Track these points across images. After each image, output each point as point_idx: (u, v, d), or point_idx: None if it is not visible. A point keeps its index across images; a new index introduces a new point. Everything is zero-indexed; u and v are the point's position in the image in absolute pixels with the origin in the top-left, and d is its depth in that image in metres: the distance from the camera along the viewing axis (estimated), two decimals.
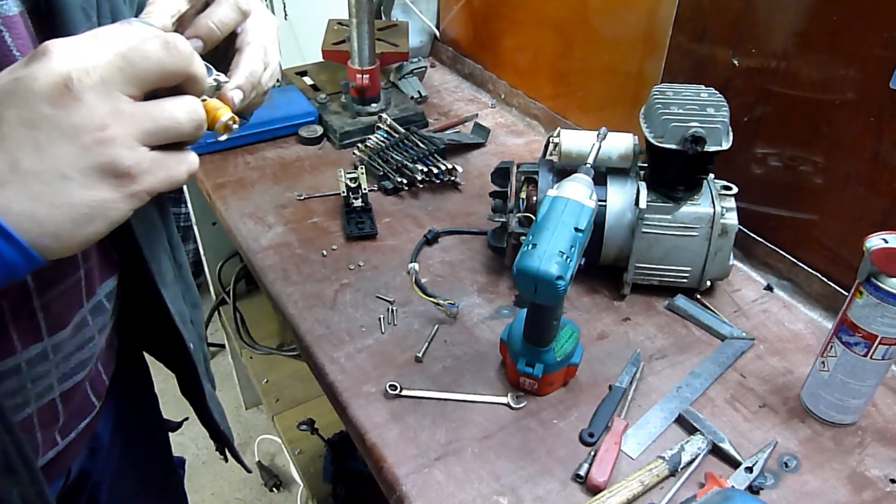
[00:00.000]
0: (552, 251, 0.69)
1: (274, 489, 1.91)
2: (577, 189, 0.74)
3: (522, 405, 0.80)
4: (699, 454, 0.74)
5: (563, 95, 1.33)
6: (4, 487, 0.49)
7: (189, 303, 0.79)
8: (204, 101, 0.46)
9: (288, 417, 1.64)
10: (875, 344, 0.71)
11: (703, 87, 0.90)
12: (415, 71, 1.51)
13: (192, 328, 0.79)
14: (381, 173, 1.18)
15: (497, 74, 1.49)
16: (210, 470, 1.98)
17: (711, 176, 0.93)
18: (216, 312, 1.80)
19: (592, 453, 0.74)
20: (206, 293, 1.83)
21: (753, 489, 0.72)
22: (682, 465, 0.73)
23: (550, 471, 0.73)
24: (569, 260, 0.69)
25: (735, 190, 0.92)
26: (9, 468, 0.49)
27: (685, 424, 0.78)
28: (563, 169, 0.92)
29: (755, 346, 0.89)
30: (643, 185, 0.89)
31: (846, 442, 0.77)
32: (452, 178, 1.18)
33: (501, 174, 0.99)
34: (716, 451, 0.75)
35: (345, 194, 1.09)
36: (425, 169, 1.16)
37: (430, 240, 1.06)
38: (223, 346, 2.15)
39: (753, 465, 0.72)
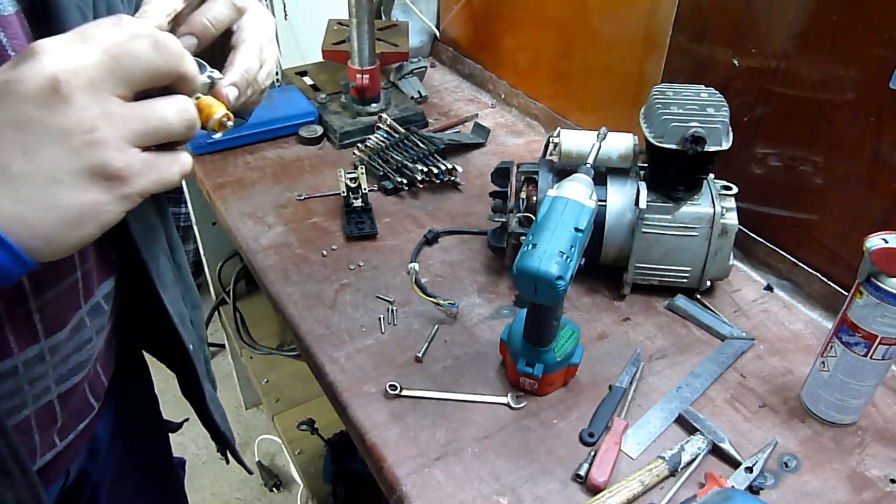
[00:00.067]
0: (552, 251, 0.69)
1: (274, 489, 1.91)
2: (577, 189, 0.74)
3: (522, 405, 0.80)
4: (699, 454, 0.74)
5: (562, 95, 1.33)
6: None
7: (189, 304, 0.79)
8: (198, 98, 0.45)
9: (288, 417, 1.64)
10: (875, 344, 0.71)
11: (703, 87, 0.90)
12: (415, 71, 1.51)
13: (192, 329, 0.79)
14: (381, 173, 1.18)
15: (497, 74, 1.49)
16: (210, 470, 1.98)
17: (711, 176, 0.93)
18: (216, 312, 1.80)
19: (592, 453, 0.74)
20: (206, 293, 1.83)
21: (753, 489, 0.72)
22: (682, 465, 0.73)
23: (550, 471, 0.73)
24: (569, 260, 0.69)
25: (735, 190, 0.92)
26: (4, 471, 0.49)
27: (685, 424, 0.78)
28: (563, 169, 0.92)
29: (755, 346, 0.89)
30: (643, 185, 0.89)
31: (846, 442, 0.77)
32: (452, 178, 1.18)
33: (501, 174, 0.99)
34: (716, 451, 0.75)
35: (345, 194, 1.09)
36: (425, 169, 1.16)
37: (430, 240, 1.06)
38: (223, 346, 2.15)
39: (753, 465, 0.72)
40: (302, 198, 1.15)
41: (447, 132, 1.35)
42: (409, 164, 1.17)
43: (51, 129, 0.38)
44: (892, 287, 0.67)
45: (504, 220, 0.98)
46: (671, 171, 0.89)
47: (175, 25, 0.50)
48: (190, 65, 0.43)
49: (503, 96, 1.47)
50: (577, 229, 0.71)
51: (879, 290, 0.68)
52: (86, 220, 0.39)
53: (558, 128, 0.95)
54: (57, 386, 0.61)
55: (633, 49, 1.14)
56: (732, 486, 0.70)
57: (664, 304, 0.95)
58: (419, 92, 1.46)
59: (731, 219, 0.90)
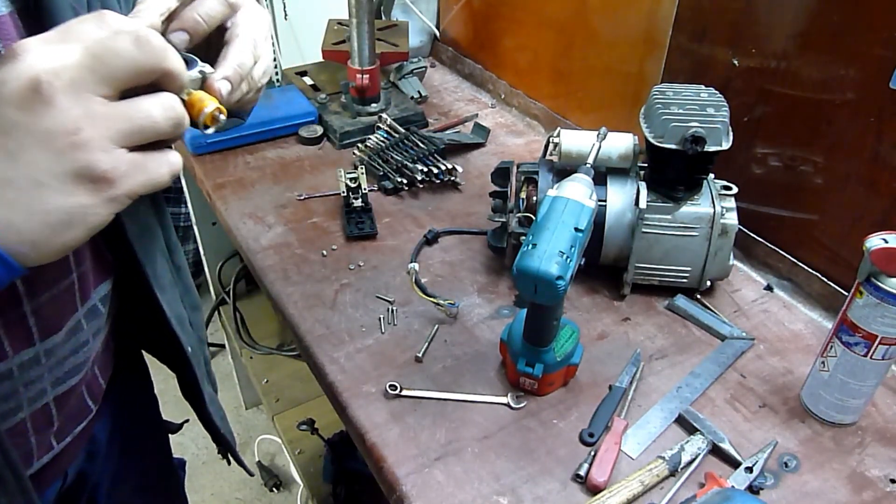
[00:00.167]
0: (552, 251, 0.68)
1: (274, 489, 1.91)
2: (577, 189, 0.74)
3: (522, 405, 0.80)
4: (699, 454, 0.74)
5: (562, 95, 1.33)
6: None
7: (188, 305, 0.79)
8: (189, 94, 0.44)
9: (288, 417, 1.64)
10: (875, 344, 0.71)
11: (703, 87, 0.90)
12: (415, 71, 1.51)
13: (192, 331, 0.78)
14: (381, 173, 1.18)
15: (497, 74, 1.49)
16: (210, 470, 1.98)
17: (711, 176, 0.93)
18: (216, 312, 1.80)
19: (592, 453, 0.74)
20: (206, 293, 1.83)
21: (753, 489, 0.72)
22: (682, 465, 0.73)
23: (550, 471, 0.73)
24: (569, 260, 0.69)
25: (735, 190, 0.92)
26: None
27: (685, 424, 0.78)
28: (563, 169, 0.92)
29: (755, 346, 0.89)
30: (643, 185, 0.89)
31: (846, 442, 0.77)
32: (452, 178, 1.18)
33: (501, 174, 0.99)
34: (716, 451, 0.75)
35: (345, 194, 1.09)
36: (425, 169, 1.16)
37: (430, 240, 1.06)
38: (223, 346, 2.15)
39: (753, 465, 0.72)
40: (302, 198, 1.15)
41: (447, 132, 1.35)
42: (409, 164, 1.17)
43: (34, 132, 0.37)
44: (892, 287, 0.67)
45: (504, 220, 0.97)
46: (671, 171, 0.89)
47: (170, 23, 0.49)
48: (175, 60, 0.42)
49: (503, 96, 1.47)
50: (577, 229, 0.71)
51: (879, 290, 0.68)
52: (73, 224, 0.39)
53: (558, 128, 0.95)
54: (53, 389, 0.60)
55: (633, 49, 1.14)
56: (732, 486, 0.70)
57: (664, 304, 0.95)
58: (419, 92, 1.46)
59: (731, 219, 0.90)
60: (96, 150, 0.38)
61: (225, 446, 0.91)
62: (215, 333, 2.13)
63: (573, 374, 0.83)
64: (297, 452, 1.61)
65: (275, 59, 1.53)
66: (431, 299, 0.92)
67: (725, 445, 0.74)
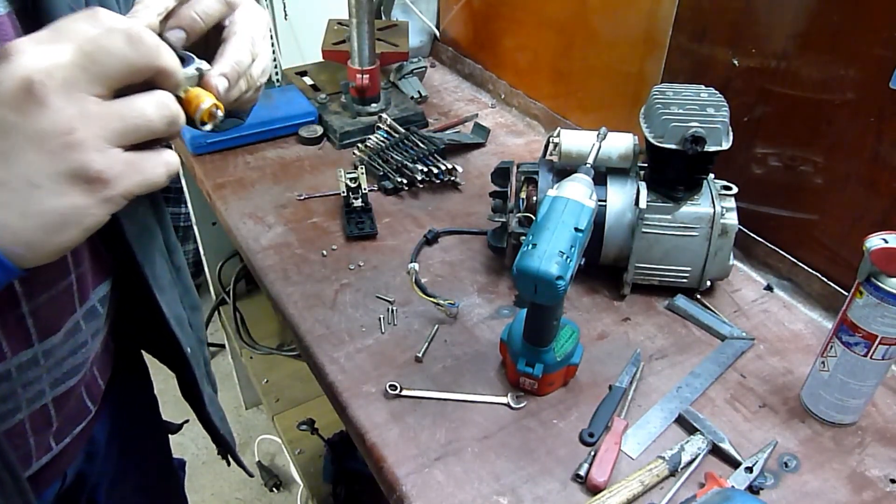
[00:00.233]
0: (552, 251, 0.68)
1: (274, 489, 1.91)
2: (577, 189, 0.74)
3: (522, 405, 0.80)
4: (699, 454, 0.74)
5: (562, 95, 1.33)
6: None
7: (188, 306, 0.79)
8: (186, 92, 0.44)
9: (288, 417, 1.64)
10: (875, 344, 0.71)
11: (703, 87, 0.90)
12: (415, 71, 1.51)
13: (191, 332, 0.78)
14: (381, 173, 1.18)
15: (497, 74, 1.49)
16: (210, 470, 1.98)
17: (711, 176, 0.93)
18: (216, 312, 1.80)
19: (592, 453, 0.74)
20: (206, 293, 1.83)
21: (753, 489, 0.71)
22: (682, 465, 0.73)
23: (550, 471, 0.73)
24: (569, 260, 0.69)
25: (735, 190, 0.92)
26: None
27: (685, 424, 0.78)
28: (563, 169, 0.92)
29: (755, 346, 0.89)
30: (643, 185, 0.89)
31: (846, 442, 0.77)
32: (452, 178, 1.18)
33: (501, 174, 0.99)
34: (716, 451, 0.75)
35: (345, 194, 1.09)
36: (425, 169, 1.16)
37: (430, 240, 1.06)
38: (223, 346, 2.15)
39: (753, 465, 0.72)
40: (302, 198, 1.15)
41: (447, 132, 1.35)
42: (409, 164, 1.17)
43: (27, 133, 0.37)
44: (892, 287, 0.67)
45: (504, 220, 0.97)
46: (671, 171, 0.89)
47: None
48: (168, 58, 0.41)
49: (503, 96, 1.47)
50: (577, 229, 0.71)
51: (879, 290, 0.68)
52: (68, 225, 0.38)
53: (558, 128, 0.95)
54: (52, 389, 0.60)
55: (633, 49, 1.14)
56: (732, 486, 0.70)
57: (664, 304, 0.95)
58: (419, 92, 1.46)
59: (731, 219, 0.90)
60: (90, 150, 0.38)
61: (224, 447, 0.91)
62: (215, 333, 2.13)
63: (573, 374, 0.83)
64: (297, 452, 1.61)
65: (275, 59, 1.53)
66: (431, 299, 0.92)
67: (725, 445, 0.74)
